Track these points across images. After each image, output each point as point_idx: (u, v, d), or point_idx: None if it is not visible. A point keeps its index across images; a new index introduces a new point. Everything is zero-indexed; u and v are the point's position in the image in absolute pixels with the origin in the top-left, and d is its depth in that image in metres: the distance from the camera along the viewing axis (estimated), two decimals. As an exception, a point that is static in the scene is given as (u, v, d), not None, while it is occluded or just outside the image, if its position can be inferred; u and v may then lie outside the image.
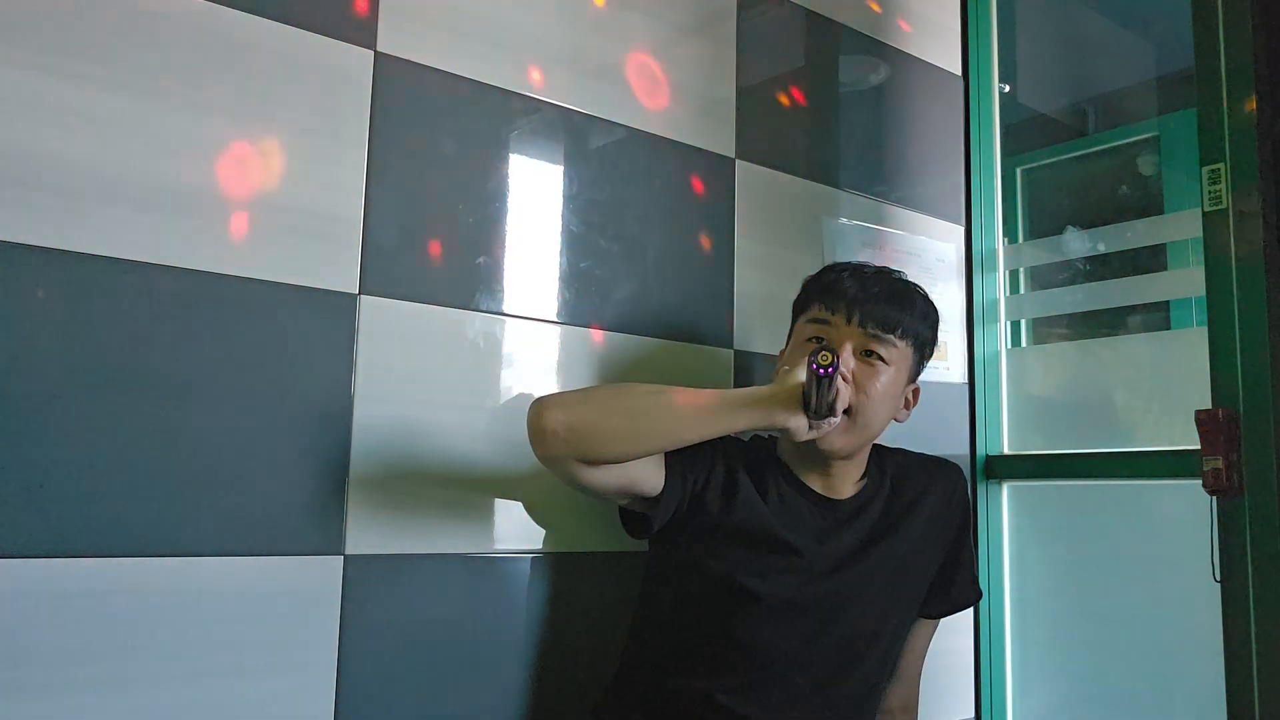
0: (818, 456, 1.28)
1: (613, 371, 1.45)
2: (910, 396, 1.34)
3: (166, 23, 1.14)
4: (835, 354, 1.08)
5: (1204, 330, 1.51)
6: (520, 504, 1.35)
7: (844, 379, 1.17)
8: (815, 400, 1.14)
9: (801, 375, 1.16)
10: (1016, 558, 1.89)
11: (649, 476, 1.19)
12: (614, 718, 1.30)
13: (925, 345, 1.33)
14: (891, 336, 1.27)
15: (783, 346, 1.39)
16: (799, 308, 1.35)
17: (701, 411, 1.16)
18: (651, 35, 1.55)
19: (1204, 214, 1.51)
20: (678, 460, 1.21)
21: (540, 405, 1.12)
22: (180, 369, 1.12)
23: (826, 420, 1.18)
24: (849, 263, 1.36)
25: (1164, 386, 1.75)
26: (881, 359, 1.27)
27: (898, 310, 1.28)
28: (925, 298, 1.34)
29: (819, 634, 1.27)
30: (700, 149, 1.59)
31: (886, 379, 1.27)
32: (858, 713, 1.33)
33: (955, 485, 1.42)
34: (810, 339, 1.28)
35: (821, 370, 1.07)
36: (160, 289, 1.11)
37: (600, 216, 1.47)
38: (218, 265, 1.15)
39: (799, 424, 1.16)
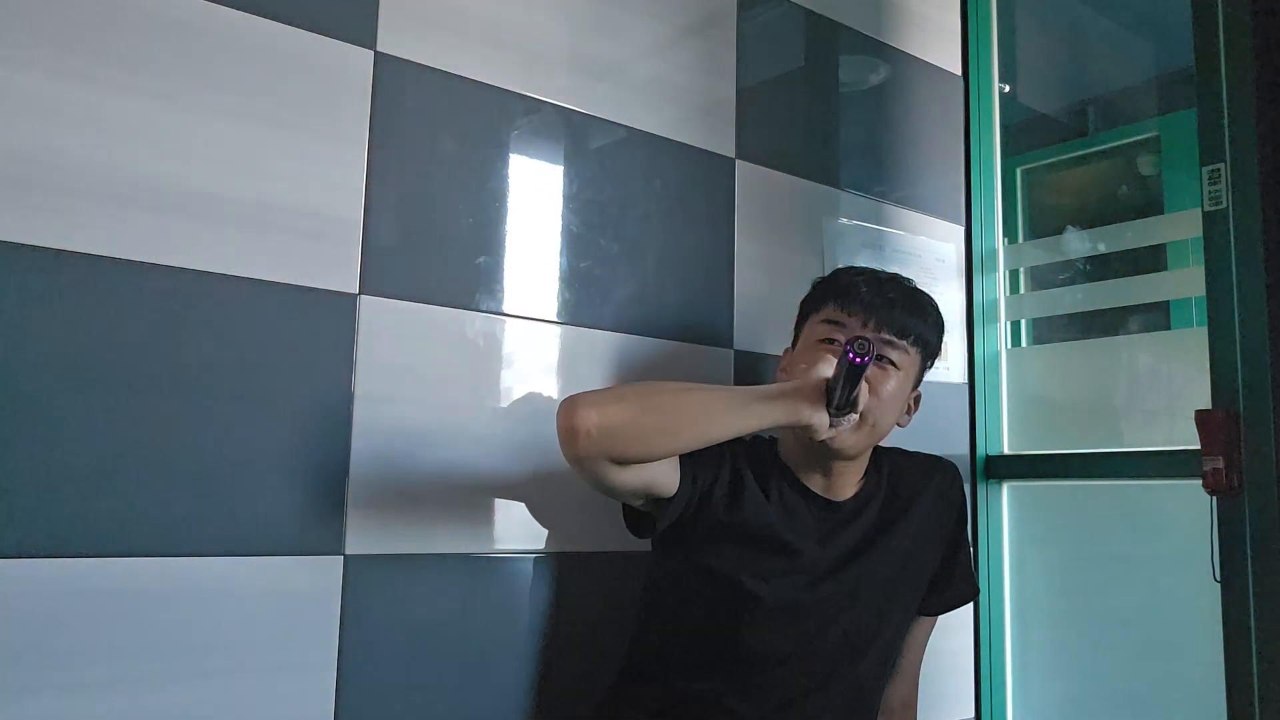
0: (822, 458, 1.29)
1: (613, 372, 1.45)
2: (912, 402, 1.35)
3: (166, 23, 1.14)
4: (871, 344, 1.07)
5: (1204, 330, 1.51)
6: (521, 504, 1.35)
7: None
8: (840, 392, 1.13)
9: (825, 371, 1.16)
10: (1016, 558, 1.89)
11: (667, 476, 1.19)
12: (616, 718, 1.30)
13: (933, 354, 1.34)
14: (904, 342, 1.28)
15: (788, 346, 1.39)
16: (809, 308, 1.35)
17: (730, 408, 1.16)
18: (651, 35, 1.55)
19: (1204, 214, 1.51)
20: (689, 460, 1.21)
21: (571, 405, 1.10)
22: (180, 369, 1.12)
23: (846, 417, 1.18)
24: (861, 267, 1.37)
25: (1164, 386, 1.75)
26: (893, 363, 1.27)
27: (911, 316, 1.29)
28: (936, 307, 1.35)
29: (820, 634, 1.27)
30: (700, 149, 1.59)
31: (896, 383, 1.27)
32: (858, 711, 1.33)
33: (952, 483, 1.42)
34: (823, 339, 1.29)
35: (859, 359, 1.06)
36: (160, 289, 1.11)
37: (600, 216, 1.47)
38: (218, 265, 1.15)
39: (821, 419, 1.16)
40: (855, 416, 1.19)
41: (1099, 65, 2.18)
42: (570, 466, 1.12)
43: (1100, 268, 1.92)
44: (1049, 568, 1.86)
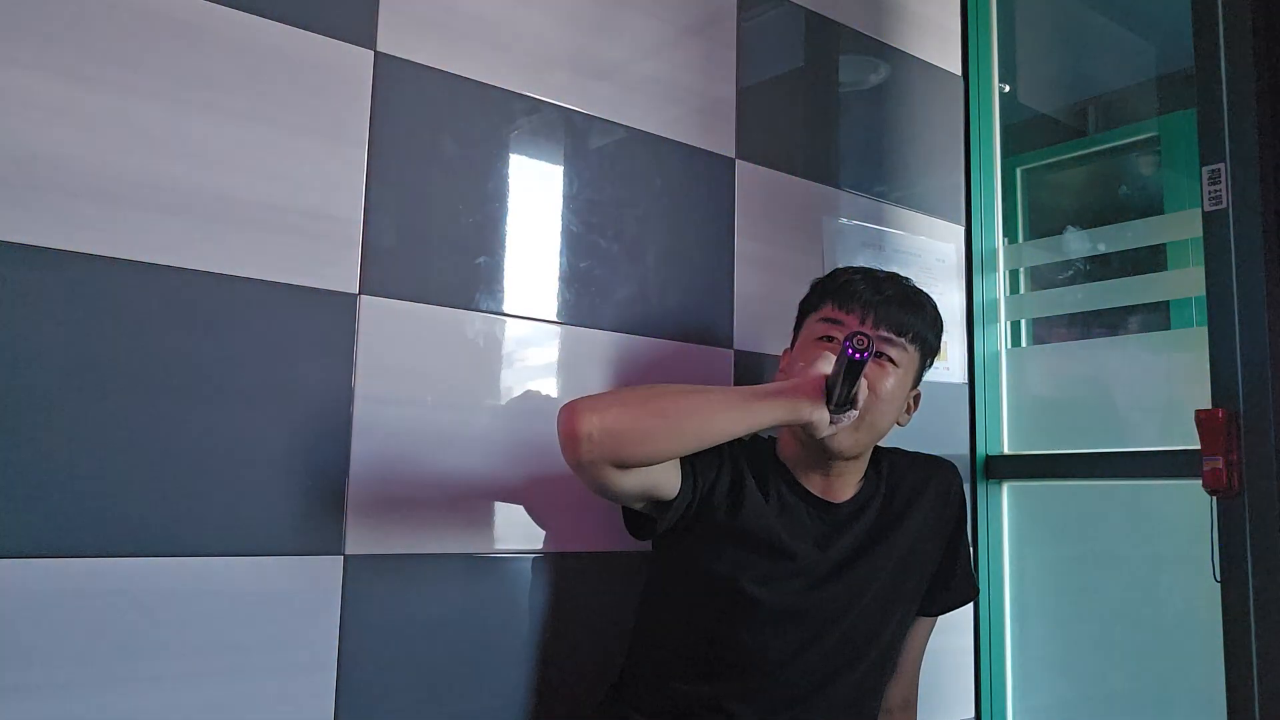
0: (822, 458, 1.28)
1: (613, 372, 1.45)
2: (912, 401, 1.35)
3: (166, 23, 1.14)
4: (871, 338, 1.08)
5: (1204, 330, 1.51)
6: (521, 504, 1.35)
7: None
8: (840, 389, 1.13)
9: (824, 368, 1.16)
10: (1016, 558, 1.89)
11: (669, 479, 1.19)
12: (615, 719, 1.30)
13: (931, 352, 1.34)
14: (902, 340, 1.28)
15: (787, 346, 1.39)
16: (807, 308, 1.36)
17: (731, 408, 1.16)
18: (651, 35, 1.55)
19: (1204, 214, 1.51)
20: (689, 462, 1.21)
21: (572, 410, 1.09)
22: (180, 369, 1.12)
23: (846, 413, 1.18)
24: (859, 266, 1.37)
25: (1164, 386, 1.75)
26: (891, 361, 1.27)
27: (909, 314, 1.29)
28: (934, 305, 1.35)
29: (820, 637, 1.27)
30: (700, 149, 1.59)
31: (895, 381, 1.27)
32: (858, 712, 1.33)
33: (951, 483, 1.42)
34: (821, 338, 1.29)
35: (859, 355, 1.06)
36: (160, 289, 1.11)
37: (600, 216, 1.47)
38: (218, 265, 1.15)
39: (822, 417, 1.16)
40: (855, 413, 1.19)
41: (1099, 65, 2.18)
42: (572, 471, 1.12)
43: (1100, 268, 1.92)
44: (1049, 568, 1.86)
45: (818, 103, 1.78)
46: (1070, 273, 1.97)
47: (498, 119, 1.38)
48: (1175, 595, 1.66)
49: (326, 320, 1.22)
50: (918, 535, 1.36)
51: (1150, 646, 1.70)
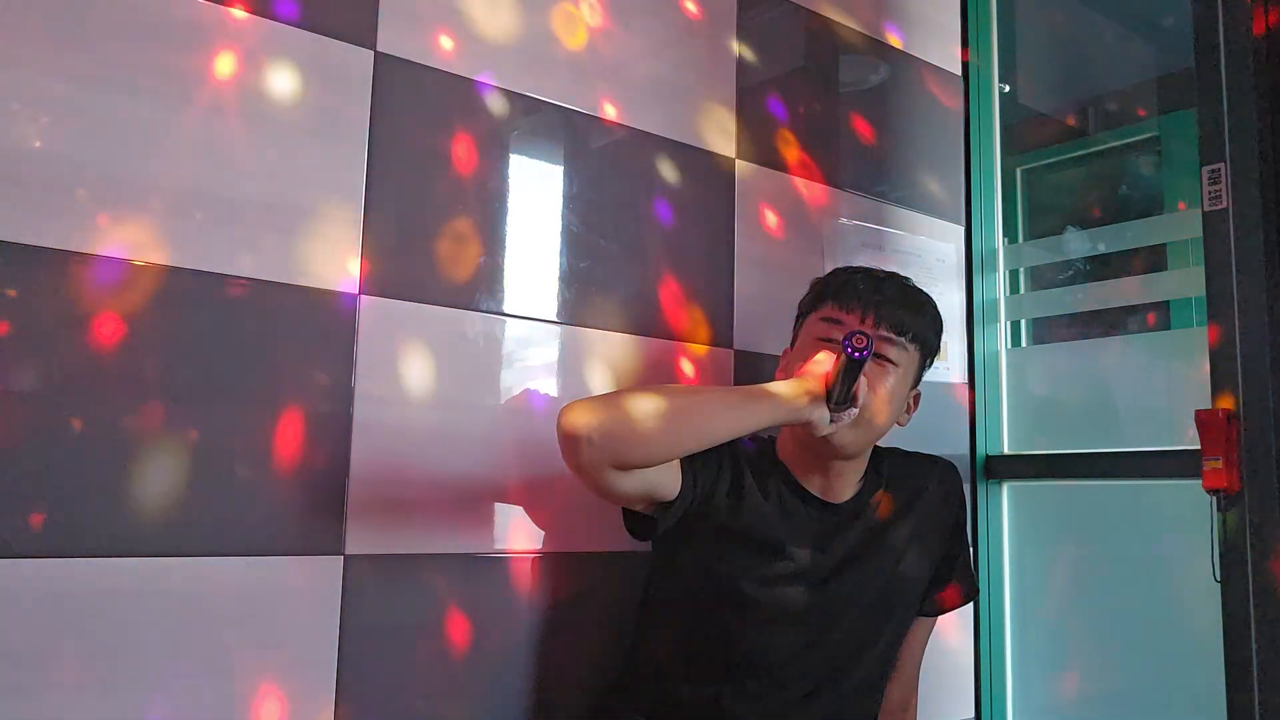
0: (822, 457, 1.28)
1: (613, 372, 1.45)
2: (912, 401, 1.35)
3: (166, 23, 1.14)
4: (870, 337, 1.07)
5: (1204, 330, 1.51)
6: (520, 504, 1.35)
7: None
8: (839, 387, 1.13)
9: (824, 366, 1.16)
10: (1016, 558, 1.89)
11: (670, 480, 1.18)
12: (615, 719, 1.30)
13: (931, 352, 1.34)
14: (902, 339, 1.28)
15: (787, 346, 1.39)
16: (807, 307, 1.35)
17: (731, 408, 1.16)
18: (651, 35, 1.55)
19: (1204, 214, 1.51)
20: (689, 462, 1.21)
21: (571, 412, 1.09)
22: (180, 369, 1.12)
23: (846, 411, 1.18)
24: (859, 266, 1.37)
25: (1164, 386, 1.75)
26: (891, 361, 1.27)
27: (909, 314, 1.29)
28: (934, 305, 1.35)
29: (820, 637, 1.27)
30: (700, 149, 1.59)
31: (894, 380, 1.27)
32: (858, 712, 1.33)
33: (951, 483, 1.42)
34: (821, 337, 1.29)
35: (857, 353, 1.06)
36: (160, 289, 1.11)
37: (600, 216, 1.47)
38: (218, 265, 1.15)
39: (822, 415, 1.16)
40: (855, 411, 1.19)
41: (1099, 65, 2.18)
42: (572, 474, 1.12)
43: (1100, 268, 1.92)
44: (1049, 568, 1.86)
45: (818, 103, 1.78)
46: (1070, 273, 1.97)
47: (498, 119, 1.38)
48: (1175, 595, 1.66)
49: (326, 320, 1.22)
50: (917, 535, 1.36)
51: (1150, 646, 1.70)
